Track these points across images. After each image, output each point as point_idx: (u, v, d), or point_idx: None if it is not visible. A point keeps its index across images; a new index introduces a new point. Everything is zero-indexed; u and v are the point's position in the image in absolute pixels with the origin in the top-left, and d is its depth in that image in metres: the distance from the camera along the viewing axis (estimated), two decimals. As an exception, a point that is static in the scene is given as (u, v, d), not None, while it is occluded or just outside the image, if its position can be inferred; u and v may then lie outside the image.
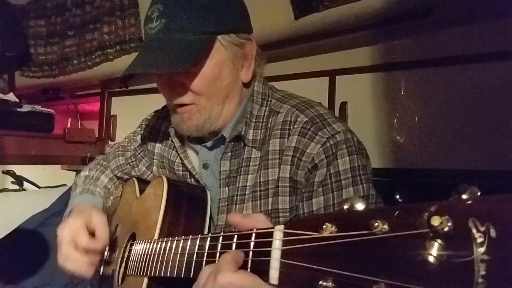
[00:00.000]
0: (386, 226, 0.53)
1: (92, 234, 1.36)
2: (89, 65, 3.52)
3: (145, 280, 1.27)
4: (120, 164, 1.74)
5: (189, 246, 1.06)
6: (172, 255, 1.14)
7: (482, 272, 0.44)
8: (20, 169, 3.37)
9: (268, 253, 0.72)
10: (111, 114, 3.79)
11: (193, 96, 1.28)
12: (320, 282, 0.58)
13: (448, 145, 2.15)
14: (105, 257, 1.46)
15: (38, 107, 3.43)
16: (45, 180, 3.50)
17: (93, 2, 3.47)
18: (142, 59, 1.26)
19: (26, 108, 3.33)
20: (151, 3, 1.29)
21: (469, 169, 2.03)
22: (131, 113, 3.53)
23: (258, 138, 1.34)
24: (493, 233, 0.44)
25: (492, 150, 2.00)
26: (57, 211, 2.98)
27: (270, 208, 1.28)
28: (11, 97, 3.36)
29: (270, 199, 1.29)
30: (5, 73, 3.93)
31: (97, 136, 3.74)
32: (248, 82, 1.37)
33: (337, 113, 2.45)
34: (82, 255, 1.33)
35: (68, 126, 4.14)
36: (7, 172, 3.29)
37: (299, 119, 1.28)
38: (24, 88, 3.98)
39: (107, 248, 1.49)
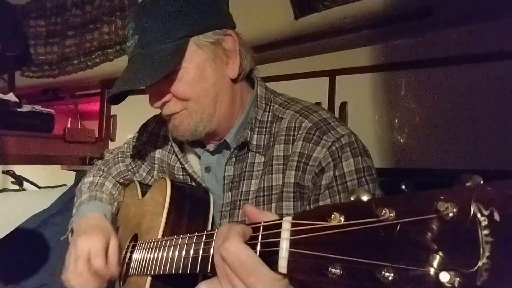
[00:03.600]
0: (393, 214, 0.54)
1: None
2: (89, 65, 3.52)
3: (149, 279, 1.28)
4: (121, 171, 1.74)
5: (195, 242, 1.06)
6: (177, 251, 1.14)
7: (487, 253, 0.46)
8: (20, 169, 3.38)
9: (277, 244, 0.73)
10: (111, 114, 3.79)
11: (182, 103, 1.29)
12: (329, 269, 0.60)
13: (448, 145, 2.16)
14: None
15: (38, 107, 3.43)
16: (45, 180, 3.50)
17: (93, 2, 3.47)
18: (123, 78, 1.27)
19: (26, 108, 3.33)
20: (126, 22, 1.31)
21: (469, 169, 2.03)
22: (131, 113, 3.51)
23: (262, 144, 1.34)
24: (497, 216, 0.46)
25: (492, 150, 2.01)
26: (57, 211, 2.98)
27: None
28: (11, 97, 3.36)
29: (273, 204, 1.29)
30: (5, 73, 3.93)
31: (97, 136, 3.75)
32: (236, 78, 1.35)
33: (337, 113, 2.46)
34: (92, 278, 1.34)
35: (68, 126, 4.14)
36: (7, 172, 3.30)
37: (303, 125, 1.29)
38: (24, 88, 3.98)
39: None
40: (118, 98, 1.32)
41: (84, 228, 1.45)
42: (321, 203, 1.23)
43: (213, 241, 0.96)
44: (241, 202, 1.34)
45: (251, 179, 1.34)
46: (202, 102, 1.29)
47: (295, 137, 1.29)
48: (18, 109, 3.29)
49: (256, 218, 0.86)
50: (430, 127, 2.25)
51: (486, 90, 2.03)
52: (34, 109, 3.37)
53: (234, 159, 1.37)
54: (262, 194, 1.31)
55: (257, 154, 1.34)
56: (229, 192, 1.37)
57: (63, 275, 1.37)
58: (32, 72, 3.87)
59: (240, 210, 1.34)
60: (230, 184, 1.37)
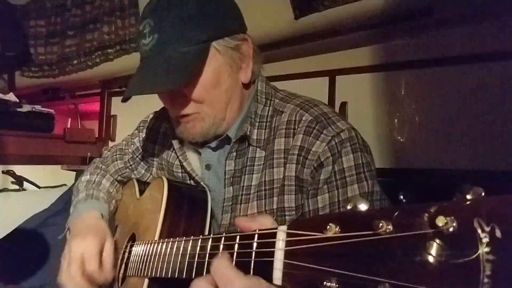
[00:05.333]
0: (390, 226, 0.53)
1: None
2: (89, 65, 3.52)
3: (146, 280, 1.27)
4: (119, 168, 1.73)
5: (191, 246, 1.05)
6: (173, 255, 1.13)
7: (488, 272, 0.44)
8: (20, 169, 3.38)
9: (272, 254, 0.72)
10: (111, 114, 3.79)
11: (195, 106, 1.28)
12: (324, 283, 0.58)
13: (448, 145, 2.15)
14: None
15: (38, 107, 3.44)
16: (45, 180, 3.50)
17: (93, 2, 3.47)
18: (140, 79, 1.25)
19: (26, 108, 3.33)
20: (141, 18, 1.28)
21: (469, 169, 2.03)
22: (131, 113, 3.51)
23: (263, 138, 1.34)
24: (498, 233, 0.44)
25: (492, 150, 2.00)
26: (57, 211, 2.98)
27: (275, 207, 1.29)
28: (11, 97, 3.36)
29: (275, 198, 1.29)
30: (5, 73, 3.92)
31: (97, 136, 3.75)
32: (248, 83, 1.36)
33: (336, 114, 2.46)
34: (86, 282, 1.33)
35: (68, 126, 4.15)
36: (7, 172, 3.30)
37: (303, 118, 1.29)
38: (24, 88, 3.98)
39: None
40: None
41: (79, 230, 1.44)
42: (319, 198, 1.24)
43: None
44: (243, 197, 1.34)
45: (252, 173, 1.34)
46: (215, 107, 1.30)
47: (295, 131, 1.29)
48: (18, 109, 3.30)
49: (249, 228, 0.85)
50: (430, 127, 2.24)
51: (486, 90, 2.02)
52: (34, 109, 3.38)
53: (234, 153, 1.37)
54: (263, 188, 1.31)
55: (257, 149, 1.35)
56: (230, 187, 1.37)
57: (58, 277, 1.36)
58: (32, 72, 3.87)
59: (242, 205, 1.34)
60: (232, 179, 1.37)
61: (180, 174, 1.52)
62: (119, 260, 1.50)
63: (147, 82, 1.23)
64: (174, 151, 1.52)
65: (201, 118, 1.30)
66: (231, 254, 0.82)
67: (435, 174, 2.14)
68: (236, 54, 1.30)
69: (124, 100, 1.30)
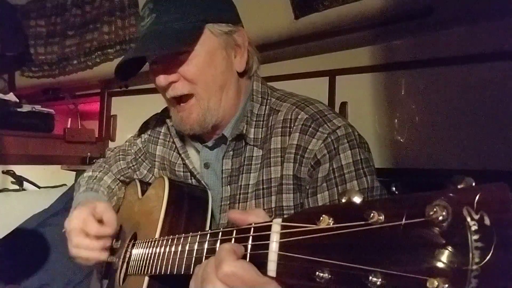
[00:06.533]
0: (382, 217, 0.53)
1: (99, 221, 1.39)
2: (89, 65, 3.53)
3: (146, 279, 1.27)
4: (121, 168, 1.74)
5: (189, 243, 1.06)
6: (172, 253, 1.13)
7: (477, 259, 0.44)
8: (20, 169, 3.38)
9: (266, 246, 0.72)
10: (111, 114, 3.80)
11: (189, 85, 1.30)
12: (317, 273, 0.59)
13: (448, 145, 2.15)
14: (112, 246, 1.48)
15: (38, 107, 3.44)
16: (45, 180, 3.50)
17: (93, 2, 3.48)
18: (135, 48, 1.32)
19: (26, 108, 3.34)
20: (143, 5, 1.34)
21: (468, 169, 2.02)
22: (131, 113, 3.54)
23: (260, 137, 1.34)
24: (487, 221, 0.45)
25: (491, 150, 1.99)
26: (57, 211, 2.98)
27: (273, 206, 1.29)
28: (11, 97, 3.37)
29: (273, 197, 1.29)
30: (5, 73, 3.93)
31: (97, 136, 3.75)
32: (243, 73, 1.38)
33: (336, 113, 2.46)
34: (94, 241, 1.36)
35: (68, 126, 4.14)
36: (7, 172, 3.30)
37: (299, 117, 1.29)
38: (24, 88, 3.99)
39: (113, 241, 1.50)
40: (127, 74, 1.39)
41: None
42: (319, 196, 1.23)
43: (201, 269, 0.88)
44: (241, 196, 1.35)
45: (250, 172, 1.35)
46: (209, 89, 1.31)
47: (291, 129, 1.29)
48: (18, 109, 3.30)
49: (244, 221, 0.86)
50: (430, 127, 2.24)
51: (486, 90, 2.03)
52: (34, 109, 3.38)
53: (231, 152, 1.38)
54: (261, 187, 1.31)
55: (254, 148, 1.35)
56: (228, 186, 1.38)
57: (69, 254, 1.40)
58: (32, 72, 3.87)
59: (240, 204, 1.35)
60: (229, 178, 1.38)
61: (181, 173, 1.53)
62: (121, 260, 1.50)
63: (142, 48, 1.30)
64: (176, 150, 1.53)
65: (196, 104, 1.31)
66: None
67: (435, 174, 2.13)
68: (230, 40, 1.33)
69: (121, 78, 1.40)
